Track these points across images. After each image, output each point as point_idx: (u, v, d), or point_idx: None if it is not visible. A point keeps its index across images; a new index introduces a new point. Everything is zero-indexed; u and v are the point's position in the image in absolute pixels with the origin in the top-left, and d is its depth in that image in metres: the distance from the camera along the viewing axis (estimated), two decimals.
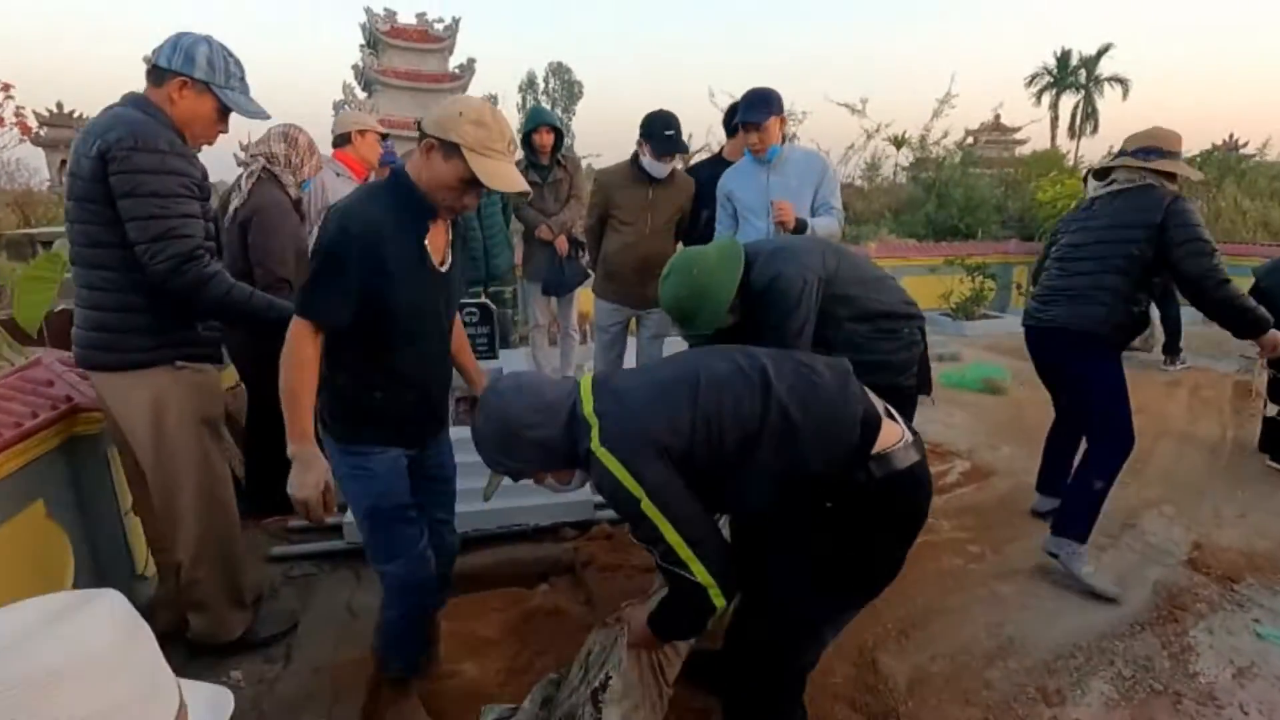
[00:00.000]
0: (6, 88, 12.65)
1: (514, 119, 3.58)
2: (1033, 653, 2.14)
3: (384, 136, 3.53)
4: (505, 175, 1.50)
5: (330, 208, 1.57)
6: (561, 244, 4.01)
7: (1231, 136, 16.60)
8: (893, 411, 1.46)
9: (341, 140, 3.37)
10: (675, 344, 3.42)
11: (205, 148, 1.95)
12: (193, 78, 1.77)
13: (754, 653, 1.57)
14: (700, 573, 1.33)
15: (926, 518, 1.45)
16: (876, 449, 1.34)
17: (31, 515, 1.93)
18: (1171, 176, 2.48)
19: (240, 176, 2.74)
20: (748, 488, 1.38)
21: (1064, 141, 33.79)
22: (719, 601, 1.36)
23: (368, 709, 1.94)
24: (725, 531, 1.79)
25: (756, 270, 1.99)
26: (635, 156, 3.25)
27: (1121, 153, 2.61)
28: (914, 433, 1.43)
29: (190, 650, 2.05)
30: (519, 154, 1.54)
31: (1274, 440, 3.54)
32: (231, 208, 2.68)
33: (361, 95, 17.16)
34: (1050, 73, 36.22)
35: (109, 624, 0.53)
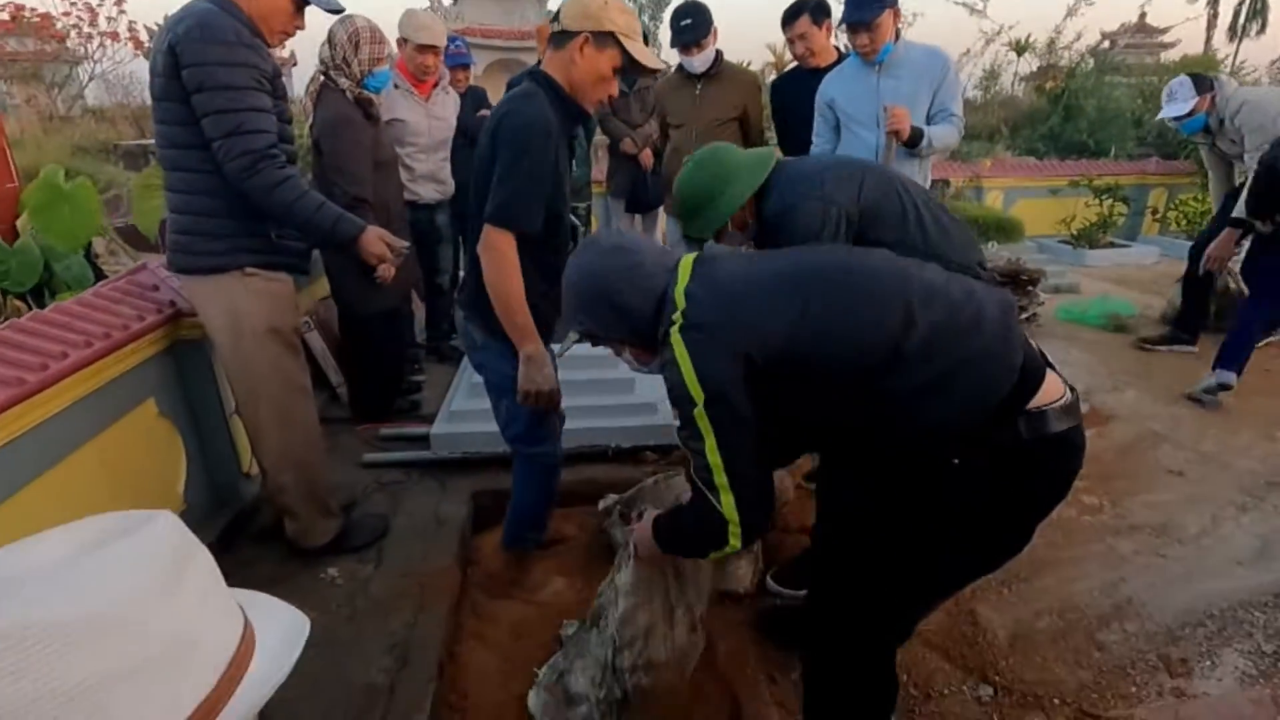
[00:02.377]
0: (119, 2, 13.18)
1: None
2: (1155, 617, 1.95)
3: (428, 47, 2.99)
4: (651, 56, 1.58)
5: (501, 116, 1.58)
6: (646, 158, 3.82)
7: None
8: (1052, 363, 1.22)
9: (399, 44, 3.06)
10: None
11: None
12: None
13: (840, 618, 1.37)
14: (728, 506, 1.20)
15: (1071, 489, 1.23)
16: (1032, 404, 1.11)
17: (143, 413, 2.03)
18: None
19: (306, 90, 2.64)
20: (856, 425, 1.18)
21: (1221, 44, 29.47)
22: (734, 542, 1.23)
23: (452, 612, 2.00)
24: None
25: (774, 194, 1.72)
26: None
27: None
28: (1073, 390, 1.19)
29: (289, 549, 2.14)
30: None
31: None
32: (308, 124, 2.60)
33: (446, 1, 16.80)
34: None
35: (148, 560, 0.46)
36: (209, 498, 2.32)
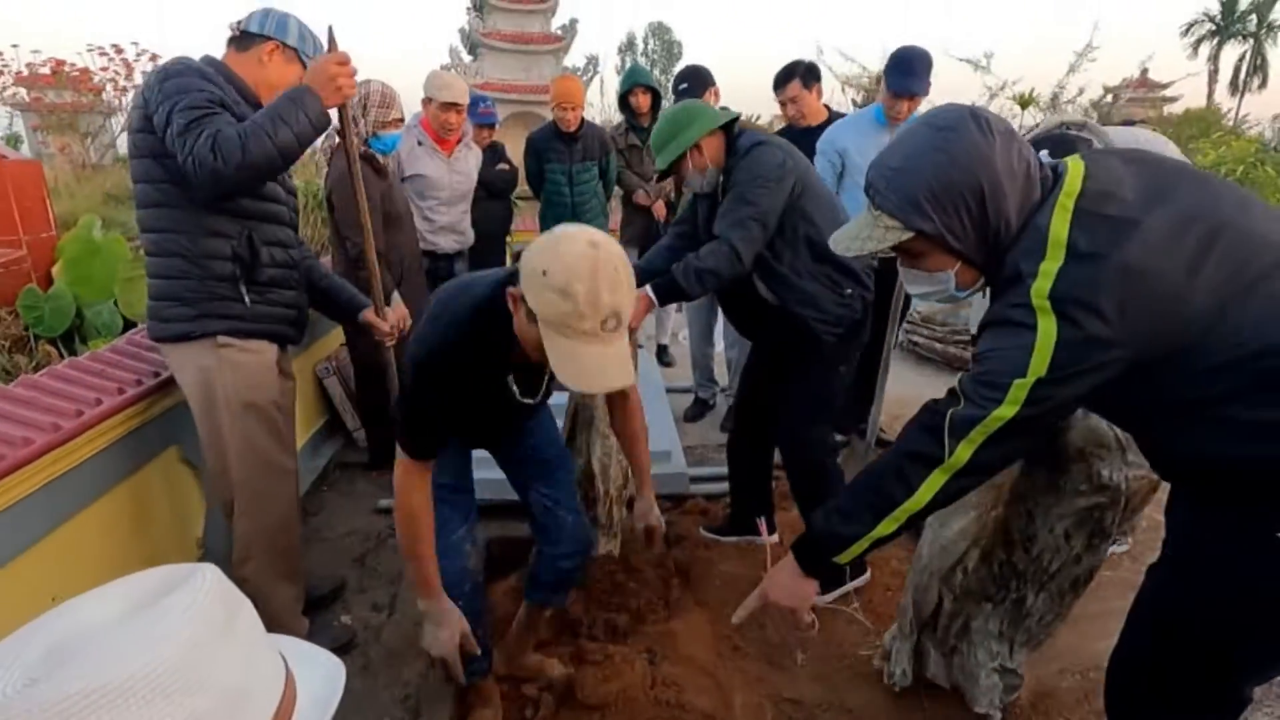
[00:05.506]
0: (154, 58, 13.74)
1: (613, 81, 3.62)
2: None
3: (451, 105, 3.10)
4: (585, 362, 1.11)
5: (413, 344, 1.39)
6: (659, 209, 3.90)
7: None
8: None
9: (424, 104, 3.21)
10: None
11: None
12: (285, 43, 1.76)
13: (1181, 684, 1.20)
14: (969, 445, 1.05)
15: None
16: None
17: (168, 458, 2.07)
18: None
19: (321, 145, 2.71)
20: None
21: (1224, 98, 30.01)
22: (943, 476, 1.08)
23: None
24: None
25: (742, 139, 1.98)
26: None
27: None
28: None
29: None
30: (620, 329, 1.17)
31: None
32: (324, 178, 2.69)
33: (467, 58, 17.44)
34: (1212, 19, 32.10)
35: (193, 618, 0.48)
36: (225, 543, 2.33)
